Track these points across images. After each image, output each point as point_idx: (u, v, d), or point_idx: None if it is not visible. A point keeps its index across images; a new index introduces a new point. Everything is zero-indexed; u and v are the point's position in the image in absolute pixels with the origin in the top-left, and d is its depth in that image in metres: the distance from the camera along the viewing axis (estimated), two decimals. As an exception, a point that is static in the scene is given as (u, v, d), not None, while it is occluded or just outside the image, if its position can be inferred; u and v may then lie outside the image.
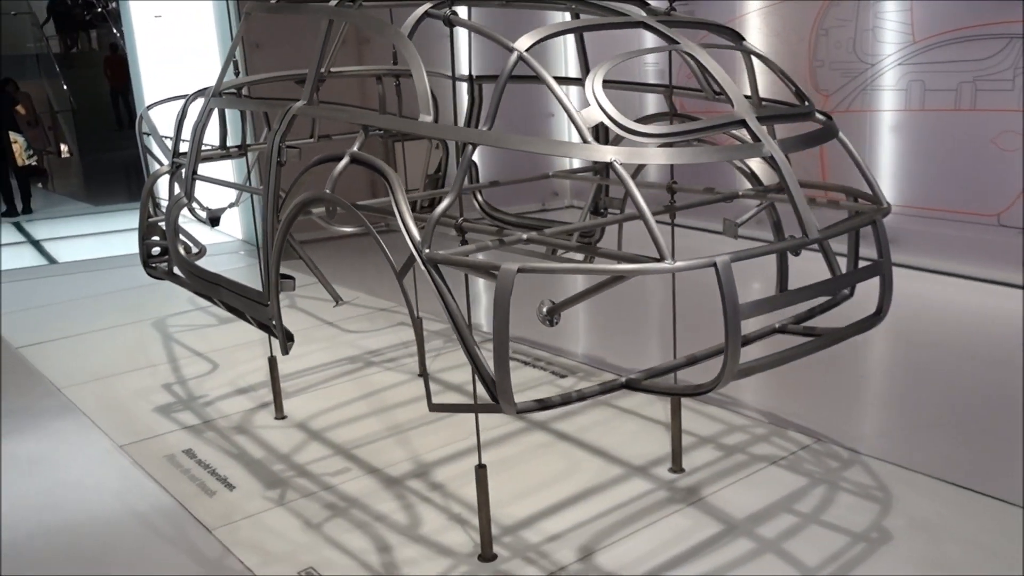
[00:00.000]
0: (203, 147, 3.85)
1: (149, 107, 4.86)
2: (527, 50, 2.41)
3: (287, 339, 3.23)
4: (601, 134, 3.59)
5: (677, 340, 3.36)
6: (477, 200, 4.53)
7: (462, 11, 3.02)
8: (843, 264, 2.94)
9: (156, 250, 4.30)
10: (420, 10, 2.65)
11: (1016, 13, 5.37)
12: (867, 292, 2.94)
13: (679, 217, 3.30)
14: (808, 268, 3.07)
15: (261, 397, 4.53)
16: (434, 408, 2.47)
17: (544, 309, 2.37)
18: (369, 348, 5.25)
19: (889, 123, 6.15)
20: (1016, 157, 5.53)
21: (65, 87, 18.35)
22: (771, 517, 3.18)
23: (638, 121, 3.49)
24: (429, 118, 2.52)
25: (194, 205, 4.01)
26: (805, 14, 6.54)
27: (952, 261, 5.94)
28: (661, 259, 2.15)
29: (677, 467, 3.54)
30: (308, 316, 5.97)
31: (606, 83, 3.83)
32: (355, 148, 2.71)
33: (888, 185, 6.25)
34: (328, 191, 2.68)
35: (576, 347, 5.18)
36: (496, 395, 2.25)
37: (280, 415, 4.27)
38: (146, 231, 4.22)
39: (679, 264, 2.12)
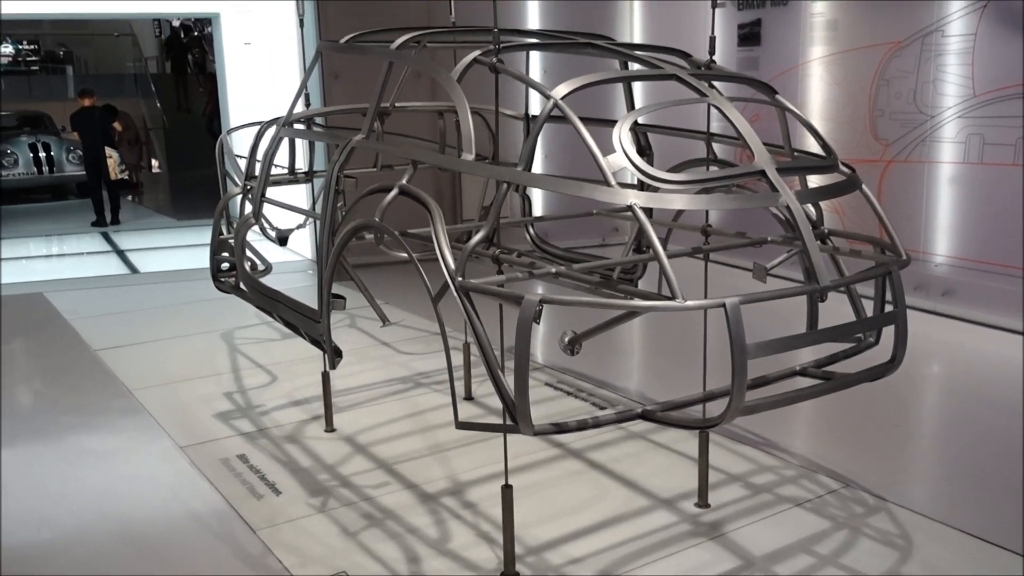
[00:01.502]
0: (273, 172, 4.14)
1: (229, 131, 5.20)
2: (563, 98, 2.59)
3: (336, 355, 3.45)
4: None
5: (718, 375, 3.46)
6: (529, 233, 4.72)
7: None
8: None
9: (225, 265, 4.60)
10: (469, 57, 2.87)
11: (1080, 71, 5.36)
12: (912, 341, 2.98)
13: (721, 257, 3.44)
14: (844, 313, 3.17)
15: (314, 410, 4.77)
16: (460, 426, 2.65)
17: (566, 338, 2.53)
18: (420, 370, 5.46)
19: (947, 175, 6.16)
20: (1076, 214, 5.49)
21: (159, 106, 19.29)
22: (789, 557, 3.26)
23: (677, 166, 3.67)
24: (470, 156, 2.72)
25: (264, 225, 4.30)
26: (867, 64, 6.60)
27: (1006, 315, 5.89)
28: (673, 298, 2.29)
29: (703, 502, 3.64)
30: (365, 336, 6.22)
31: (651, 128, 4.01)
32: (404, 180, 2.92)
33: (944, 236, 6.24)
34: (377, 219, 2.90)
35: (619, 380, 5.30)
36: (515, 416, 2.41)
37: (330, 428, 4.50)
38: (217, 247, 4.52)
39: (689, 303, 2.27)
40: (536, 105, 5.43)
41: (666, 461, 4.10)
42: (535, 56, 8.46)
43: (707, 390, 2.84)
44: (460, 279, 2.53)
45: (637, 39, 9.18)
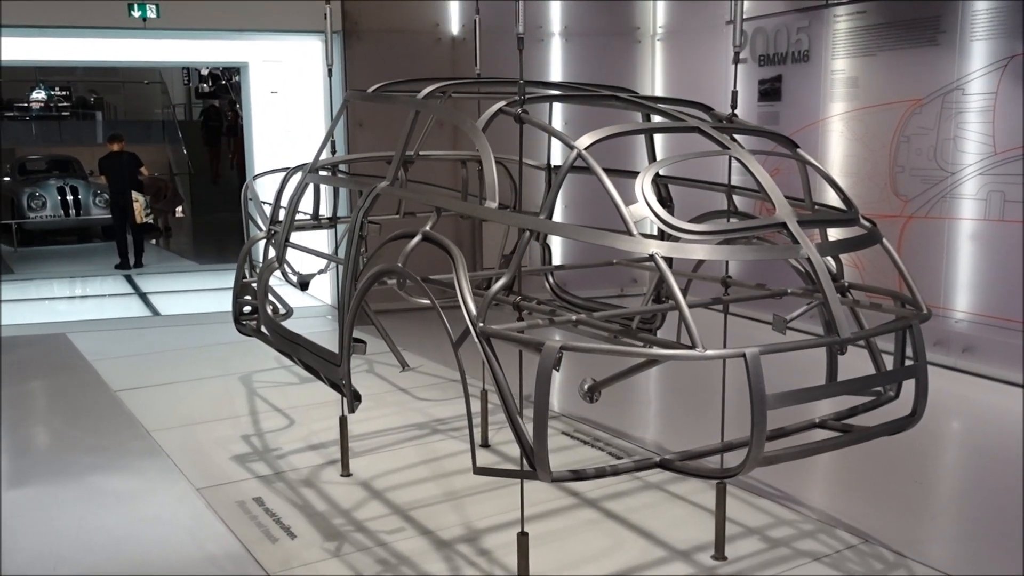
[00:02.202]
0: (297, 217, 4.21)
1: (255, 177, 5.29)
2: (587, 148, 2.64)
3: (355, 399, 3.47)
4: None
5: (736, 427, 3.45)
6: (548, 282, 4.75)
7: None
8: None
9: (247, 309, 4.65)
10: (495, 108, 2.93)
11: (1100, 130, 5.38)
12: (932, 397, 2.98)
13: (740, 309, 3.45)
14: (864, 366, 3.17)
15: (330, 454, 4.77)
16: (478, 472, 2.65)
17: (586, 386, 2.54)
18: (437, 416, 5.46)
19: (968, 231, 6.16)
20: (1098, 273, 5.46)
21: (185, 152, 19.62)
22: (808, 612, 3.22)
23: (698, 217, 3.70)
24: (493, 204, 2.77)
25: (287, 269, 4.35)
26: (887, 120, 6.65)
27: (1027, 373, 5.83)
28: (693, 347, 2.31)
29: (719, 555, 3.60)
30: (383, 381, 6.24)
31: (672, 180, 4.05)
32: (428, 227, 2.97)
33: (965, 292, 6.22)
34: (400, 264, 2.94)
35: (636, 430, 5.28)
36: (533, 462, 2.42)
37: (346, 472, 4.50)
38: (240, 290, 4.58)
39: (709, 352, 2.28)
40: (558, 156, 5.51)
41: (683, 512, 4.07)
42: (556, 108, 8.59)
43: (725, 440, 2.83)
44: (481, 324, 2.56)
45: (659, 93, 9.30)
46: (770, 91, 7.72)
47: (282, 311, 4.75)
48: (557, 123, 8.39)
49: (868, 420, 3.07)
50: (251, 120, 11.29)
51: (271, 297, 4.43)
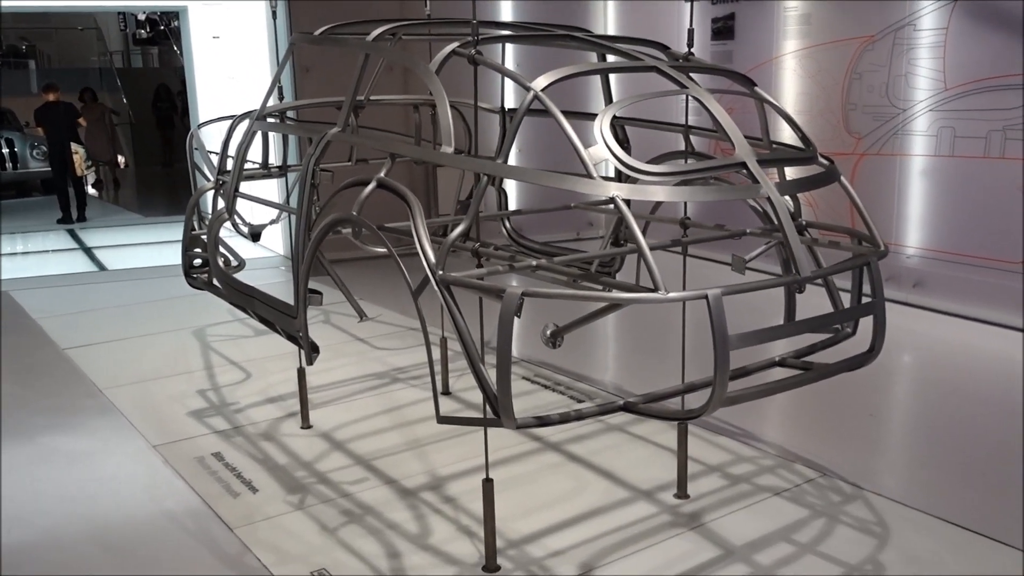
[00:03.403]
0: (246, 166, 4.09)
1: (200, 125, 5.13)
2: (543, 89, 2.58)
3: (312, 350, 3.41)
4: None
5: (696, 368, 3.47)
6: (505, 227, 4.70)
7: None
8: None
9: (198, 262, 4.54)
10: (447, 49, 2.84)
11: (1047, 64, 5.44)
12: (888, 334, 3.01)
13: (698, 250, 3.45)
14: (820, 304, 3.19)
15: (289, 407, 4.72)
16: (441, 420, 2.63)
17: (548, 331, 2.52)
18: (396, 365, 5.43)
19: (919, 168, 6.23)
20: (1043, 206, 5.57)
21: (125, 100, 19.02)
22: (768, 545, 3.28)
23: (656, 158, 3.66)
24: (450, 149, 2.70)
25: (237, 221, 4.24)
26: (840, 58, 6.65)
27: (976, 306, 5.97)
28: (656, 290, 2.29)
29: (682, 493, 3.65)
30: (340, 332, 6.18)
31: (628, 121, 4.01)
32: (382, 174, 2.89)
33: (915, 228, 6.31)
34: (355, 213, 2.87)
35: (596, 373, 5.31)
36: (497, 410, 2.40)
37: (306, 425, 4.46)
38: (189, 243, 4.46)
39: (671, 295, 2.27)
40: (512, 99, 5.41)
41: (645, 453, 4.11)
42: (509, 52, 8.44)
43: (687, 381, 2.84)
44: (440, 272, 2.51)
45: (612, 34, 9.19)
46: (723, 30, 7.67)
47: (234, 263, 4.65)
48: (510, 67, 8.25)
49: (826, 357, 3.11)
50: (193, 67, 10.94)
51: (222, 249, 4.32)
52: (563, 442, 4.19)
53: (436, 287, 2.50)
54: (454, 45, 2.87)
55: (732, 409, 3.97)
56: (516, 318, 2.39)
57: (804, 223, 3.31)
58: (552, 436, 4.27)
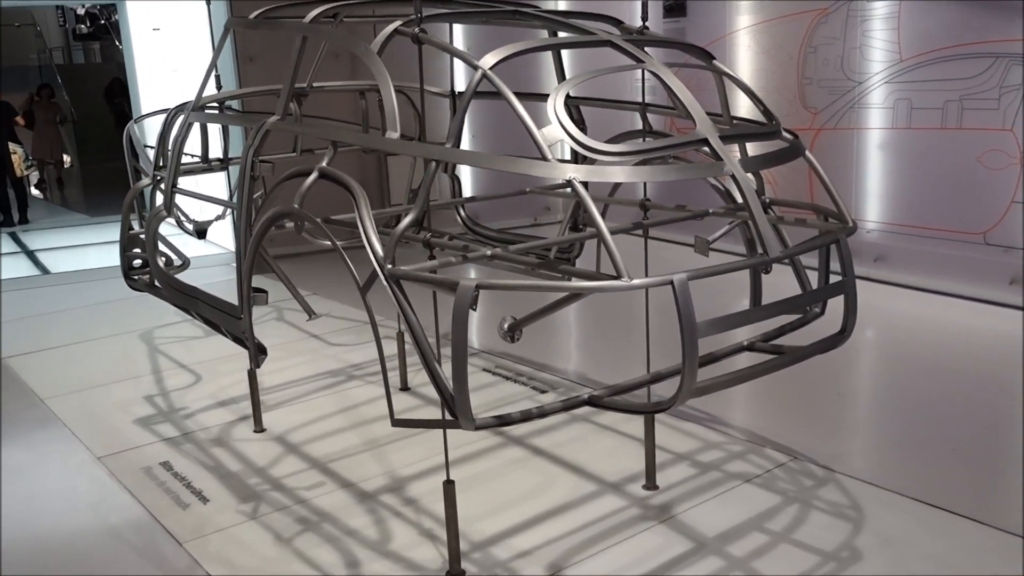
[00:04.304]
0: (186, 160, 3.88)
1: (137, 119, 4.89)
2: (492, 68, 2.42)
3: (259, 352, 3.23)
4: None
5: (661, 355, 3.35)
6: (460, 215, 4.55)
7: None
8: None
9: (138, 262, 4.32)
10: (390, 28, 2.67)
11: (1001, 32, 5.39)
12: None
13: (659, 232, 3.32)
14: (785, 283, 3.08)
15: (242, 410, 4.53)
16: (396, 423, 2.47)
17: (505, 325, 2.37)
18: (352, 362, 5.25)
19: (876, 141, 6.17)
20: (1001, 176, 5.54)
21: (67, 98, 18.44)
22: (742, 535, 3.18)
23: (613, 139, 3.53)
24: (395, 135, 2.54)
25: (180, 217, 4.03)
26: (794, 32, 6.57)
27: (937, 279, 5.94)
28: (619, 277, 2.15)
29: (651, 484, 3.54)
30: (293, 329, 5.98)
31: (583, 101, 3.86)
32: (324, 163, 2.72)
33: (875, 202, 6.27)
34: (296, 206, 2.69)
35: (559, 362, 5.18)
36: (455, 411, 2.25)
37: (259, 428, 4.27)
38: (128, 243, 4.24)
39: (636, 282, 2.13)
40: (463, 81, 5.24)
41: (611, 443, 3.99)
42: (457, 33, 8.26)
43: (653, 371, 2.71)
44: (389, 266, 2.35)
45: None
46: (675, 7, 7.55)
47: (177, 262, 4.44)
48: (460, 48, 8.07)
49: (796, 339, 3.01)
50: (133, 60, 10.58)
51: (164, 248, 4.11)
52: (527, 435, 4.06)
53: (385, 282, 2.34)
54: (397, 23, 2.70)
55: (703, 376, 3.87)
56: (472, 311, 2.24)
57: (768, 200, 3.20)
58: (515, 430, 4.13)
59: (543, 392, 4.66)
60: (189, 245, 4.62)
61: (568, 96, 3.96)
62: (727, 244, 3.33)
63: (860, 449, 4.02)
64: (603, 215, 3.98)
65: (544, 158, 2.28)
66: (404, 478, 3.73)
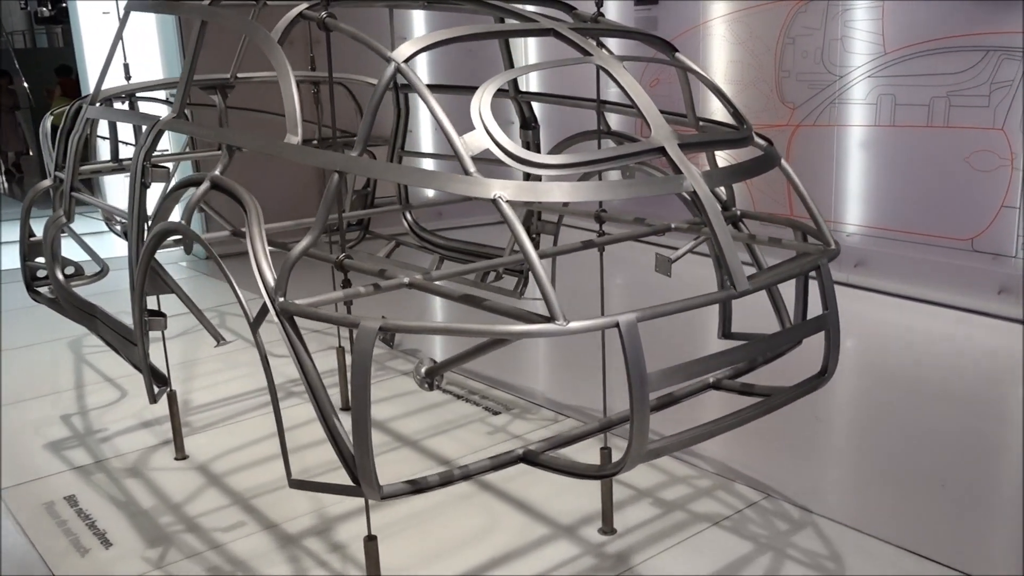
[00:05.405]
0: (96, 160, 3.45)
1: (52, 112, 4.44)
2: (406, 61, 2.02)
3: (159, 383, 2.81)
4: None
5: (619, 384, 2.97)
6: (406, 219, 4.15)
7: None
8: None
9: (42, 272, 3.88)
10: (293, 12, 2.26)
11: (993, 24, 5.04)
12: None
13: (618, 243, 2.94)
14: (759, 303, 2.71)
15: (165, 432, 4.11)
16: (294, 485, 2.08)
17: (422, 369, 1.98)
18: (293, 376, 4.83)
19: (858, 139, 5.81)
20: (991, 178, 5.20)
21: (26, 85, 17.82)
22: (708, 591, 2.81)
23: (564, 141, 3.13)
24: (296, 139, 2.13)
25: (114, 218, 3.61)
26: (772, 22, 6.19)
27: (921, 287, 5.60)
28: (553, 319, 1.76)
29: (608, 527, 3.16)
30: (232, 335, 5.54)
31: (535, 96, 3.46)
32: (218, 170, 2.31)
33: (856, 205, 5.91)
34: (184, 221, 2.28)
35: (517, 377, 4.78)
36: (356, 476, 1.86)
37: (180, 455, 3.86)
38: (28, 251, 3.80)
39: (573, 325, 1.74)
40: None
41: (564, 478, 3.60)
42: (401, 18, 7.82)
43: (607, 416, 2.33)
44: (282, 299, 1.94)
45: None
46: (648, -6, 7.15)
47: (97, 270, 4.00)
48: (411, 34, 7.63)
49: (769, 372, 2.64)
50: (82, 46, 10.05)
51: (86, 254, 3.67)
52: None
53: (276, 318, 1.94)
54: (302, 6, 2.29)
55: (663, 421, 3.49)
56: (390, 348, 1.86)
57: (739, 213, 2.82)
58: (464, 459, 3.74)
59: (496, 414, 4.27)
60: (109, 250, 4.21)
61: (518, 92, 3.57)
62: (697, 254, 2.95)
63: (839, 485, 3.66)
64: (559, 226, 3.60)
65: (465, 171, 1.88)
66: (334, 518, 3.33)
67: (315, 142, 4.13)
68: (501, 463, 2.04)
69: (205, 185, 2.28)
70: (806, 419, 4.11)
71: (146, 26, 8.16)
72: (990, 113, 5.14)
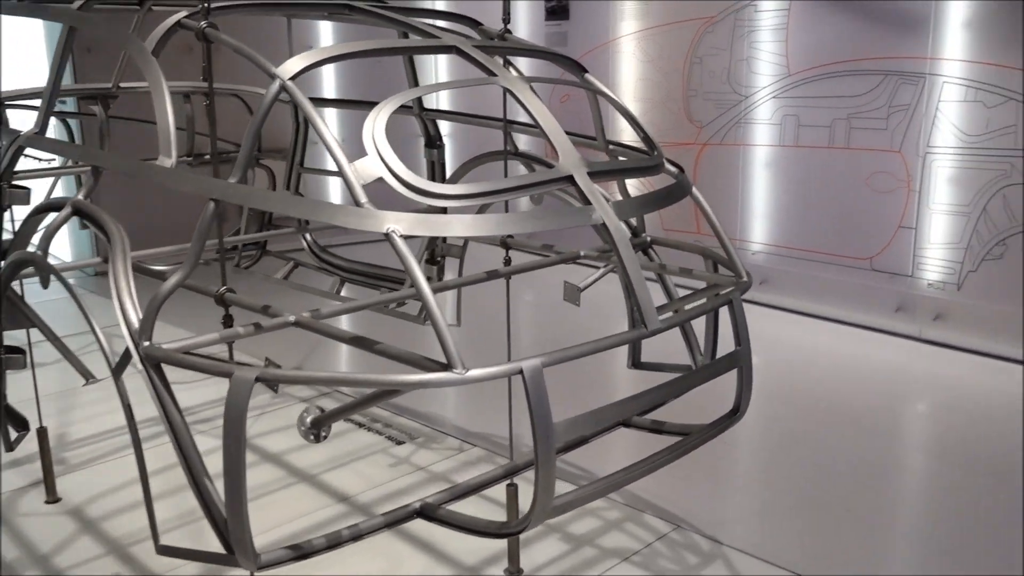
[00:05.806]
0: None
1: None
2: (293, 78, 1.84)
3: (19, 427, 2.54)
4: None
5: (557, 386, 2.83)
6: (305, 240, 3.93)
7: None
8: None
9: None
10: (170, 21, 2.05)
11: (891, 49, 5.13)
12: (729, 335, 2.47)
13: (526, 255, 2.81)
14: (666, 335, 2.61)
15: (36, 472, 3.78)
16: (162, 552, 1.86)
17: (308, 419, 1.79)
18: (188, 404, 4.53)
19: (763, 159, 5.85)
20: (889, 199, 5.29)
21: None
22: (618, 635, 2.69)
23: (468, 163, 2.98)
24: (169, 161, 1.92)
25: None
26: (680, 41, 6.19)
27: (823, 304, 5.66)
28: (450, 366, 1.60)
29: (514, 568, 3.01)
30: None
31: (441, 114, 3.31)
32: (81, 195, 2.07)
33: (760, 223, 5.95)
34: (39, 251, 2.04)
35: (423, 403, 4.60)
36: (229, 544, 1.66)
37: (52, 498, 3.55)
38: None
39: (472, 374, 1.59)
40: (332, 87, 4.60)
41: (472, 510, 3.42)
42: (310, 34, 7.57)
43: (512, 460, 2.18)
44: (147, 343, 1.73)
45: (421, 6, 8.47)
46: (557, 9, 7.09)
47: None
48: (317, 44, 7.36)
49: (677, 407, 2.53)
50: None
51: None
52: (372, 503, 3.48)
53: (140, 363, 1.73)
54: (180, 15, 2.08)
55: (573, 454, 3.37)
56: (274, 392, 1.67)
57: (649, 240, 2.72)
58: (364, 495, 3.55)
59: (400, 443, 4.08)
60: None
61: (424, 108, 3.41)
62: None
63: (746, 512, 3.60)
64: (465, 250, 3.44)
65: (356, 202, 1.71)
66: (218, 569, 3.09)
67: (190, 159, 3.89)
68: (396, 519, 1.87)
69: (66, 211, 2.04)
70: (713, 444, 4.04)
71: (35, 32, 7.68)
72: (888, 136, 5.22)
